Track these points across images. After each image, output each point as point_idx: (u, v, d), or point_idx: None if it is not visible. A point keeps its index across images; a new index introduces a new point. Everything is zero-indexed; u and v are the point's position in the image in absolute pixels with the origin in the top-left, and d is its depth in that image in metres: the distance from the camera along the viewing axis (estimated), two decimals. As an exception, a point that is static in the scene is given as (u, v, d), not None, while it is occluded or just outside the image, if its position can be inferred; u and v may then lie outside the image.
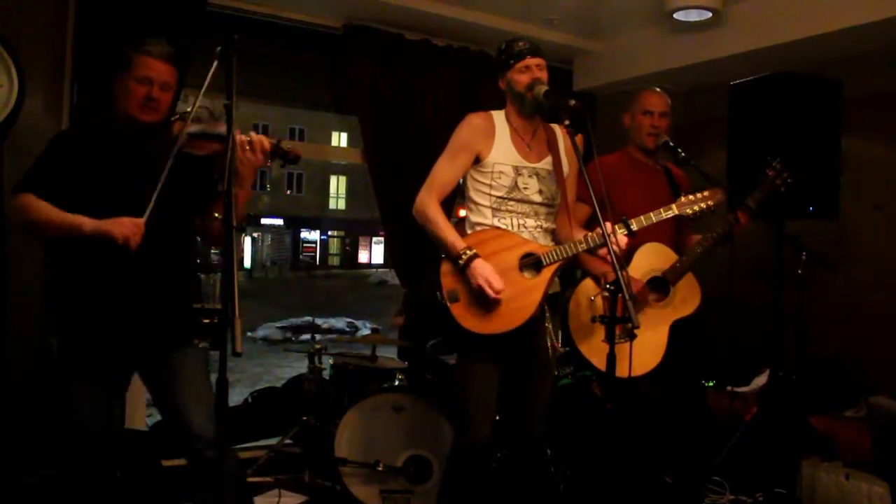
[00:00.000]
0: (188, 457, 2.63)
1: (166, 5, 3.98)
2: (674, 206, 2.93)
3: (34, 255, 3.86)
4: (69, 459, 2.65)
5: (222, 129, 2.41)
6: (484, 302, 2.75)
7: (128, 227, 2.36)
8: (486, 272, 2.71)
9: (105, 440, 2.61)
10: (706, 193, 2.95)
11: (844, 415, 4.19)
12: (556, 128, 3.01)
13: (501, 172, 2.88)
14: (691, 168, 3.41)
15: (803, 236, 3.73)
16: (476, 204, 2.93)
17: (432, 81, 5.08)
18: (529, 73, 2.84)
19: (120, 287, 2.53)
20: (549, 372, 2.99)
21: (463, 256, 2.74)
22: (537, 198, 2.91)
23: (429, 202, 2.87)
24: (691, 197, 2.95)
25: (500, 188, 2.88)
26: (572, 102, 2.69)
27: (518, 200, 2.89)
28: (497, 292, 2.70)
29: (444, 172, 2.91)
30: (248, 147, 2.48)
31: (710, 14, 4.36)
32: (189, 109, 2.47)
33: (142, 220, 2.37)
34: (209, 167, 2.66)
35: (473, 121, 2.93)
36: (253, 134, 2.52)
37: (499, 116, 2.96)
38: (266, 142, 2.53)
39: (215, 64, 2.25)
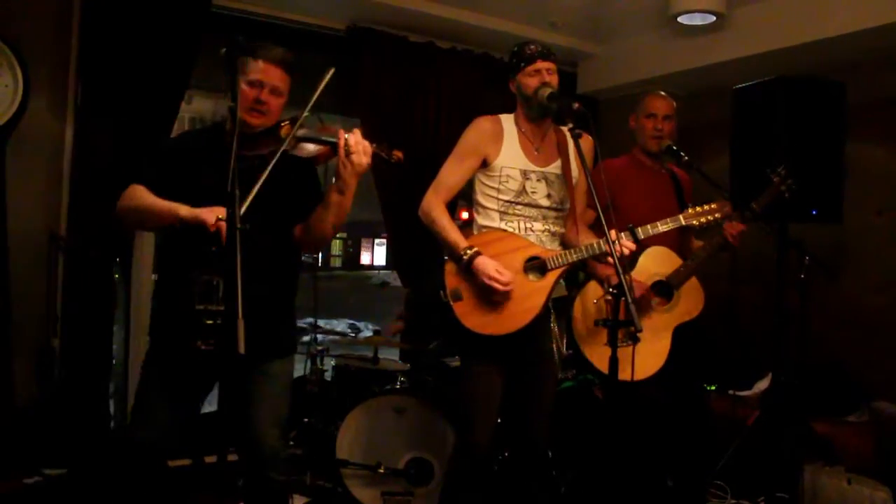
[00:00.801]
0: (251, 477, 2.59)
1: (171, 6, 3.99)
2: (681, 217, 2.91)
3: (37, 256, 3.88)
4: (127, 451, 2.59)
5: (329, 134, 2.47)
6: (488, 301, 2.75)
7: (221, 214, 2.25)
8: (489, 267, 2.72)
9: (158, 438, 2.52)
10: (714, 206, 2.93)
11: (847, 419, 4.19)
12: (567, 131, 3.00)
13: (509, 176, 2.88)
14: (694, 172, 3.41)
15: (806, 241, 3.72)
16: (484, 207, 2.94)
17: (436, 84, 5.08)
18: (539, 77, 2.84)
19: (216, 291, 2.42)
20: (552, 375, 2.99)
21: (465, 255, 2.75)
22: (545, 202, 2.91)
23: (434, 204, 2.88)
24: (699, 209, 2.93)
25: (508, 192, 2.88)
26: (576, 105, 2.69)
27: (525, 204, 2.89)
28: (506, 284, 2.70)
29: (450, 175, 2.91)
30: (351, 149, 2.41)
31: (713, 18, 4.36)
32: (300, 116, 2.45)
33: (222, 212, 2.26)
34: (313, 173, 2.66)
35: (482, 124, 2.93)
36: (356, 135, 2.45)
37: (507, 120, 2.96)
38: (369, 145, 2.45)
39: (331, 72, 2.34)
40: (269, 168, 2.29)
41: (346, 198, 2.49)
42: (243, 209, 2.20)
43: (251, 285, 2.19)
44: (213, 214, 2.26)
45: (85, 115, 3.95)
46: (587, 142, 2.80)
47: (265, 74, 2.49)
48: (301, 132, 2.43)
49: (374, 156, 2.47)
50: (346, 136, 2.42)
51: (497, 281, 2.70)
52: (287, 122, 2.48)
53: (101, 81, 3.93)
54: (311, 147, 2.48)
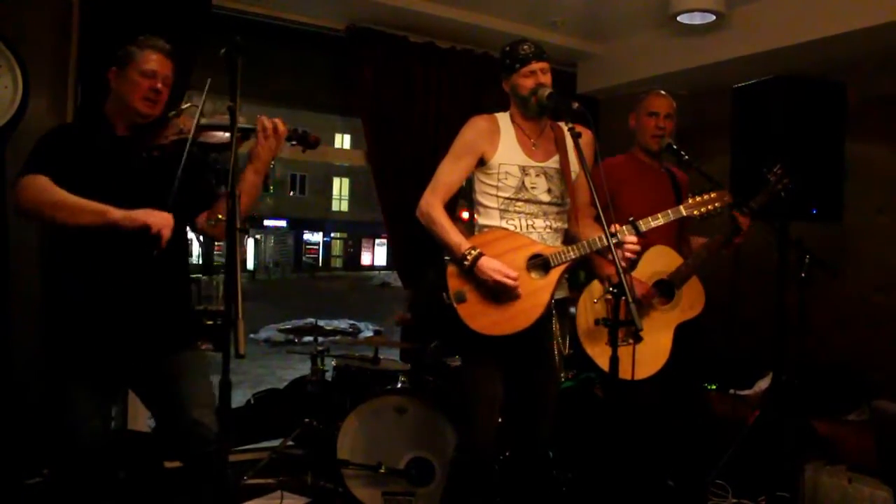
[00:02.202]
0: (191, 457, 2.60)
1: (170, 7, 3.99)
2: (682, 207, 2.93)
3: (37, 255, 3.87)
4: (64, 463, 2.59)
5: (242, 122, 2.49)
6: (493, 302, 2.75)
7: (161, 219, 2.33)
8: (496, 266, 2.71)
9: (100, 443, 2.57)
10: (714, 195, 2.95)
11: (847, 418, 4.18)
12: (564, 126, 3.00)
13: (508, 173, 2.87)
14: (693, 171, 3.41)
15: (806, 239, 3.72)
16: (484, 206, 2.93)
17: (436, 84, 5.08)
18: (534, 78, 2.83)
19: (122, 286, 2.50)
20: (553, 375, 2.99)
21: (468, 257, 2.74)
22: (546, 197, 2.91)
23: (433, 204, 2.87)
24: (699, 198, 2.95)
25: (507, 189, 2.87)
26: (575, 105, 2.69)
27: (526, 201, 2.88)
28: (515, 279, 2.70)
29: (447, 174, 2.91)
30: (269, 131, 2.54)
31: (713, 17, 4.35)
32: (183, 107, 2.54)
33: (170, 215, 2.35)
34: (208, 165, 2.70)
35: (477, 123, 2.93)
36: (270, 119, 2.57)
37: (503, 118, 2.96)
38: (282, 125, 2.57)
39: (208, 84, 2.31)
40: (185, 156, 2.31)
41: (260, 178, 2.61)
42: (171, 202, 2.30)
43: (153, 278, 2.47)
44: (153, 217, 2.32)
45: (84, 116, 3.95)
46: (586, 136, 2.79)
47: (158, 64, 2.55)
48: (203, 120, 2.47)
49: (290, 136, 2.62)
50: (263, 120, 2.54)
51: (507, 276, 2.70)
52: (175, 114, 2.55)
53: (101, 82, 3.92)
54: (220, 134, 2.53)
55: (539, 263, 2.82)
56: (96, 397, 2.56)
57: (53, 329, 2.56)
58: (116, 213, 2.34)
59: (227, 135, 2.50)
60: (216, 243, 2.78)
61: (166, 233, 2.33)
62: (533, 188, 2.89)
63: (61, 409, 2.54)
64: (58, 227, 2.43)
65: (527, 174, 2.89)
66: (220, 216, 2.50)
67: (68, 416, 2.53)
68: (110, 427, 2.69)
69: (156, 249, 2.32)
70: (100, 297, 2.49)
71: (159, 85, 2.54)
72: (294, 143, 2.66)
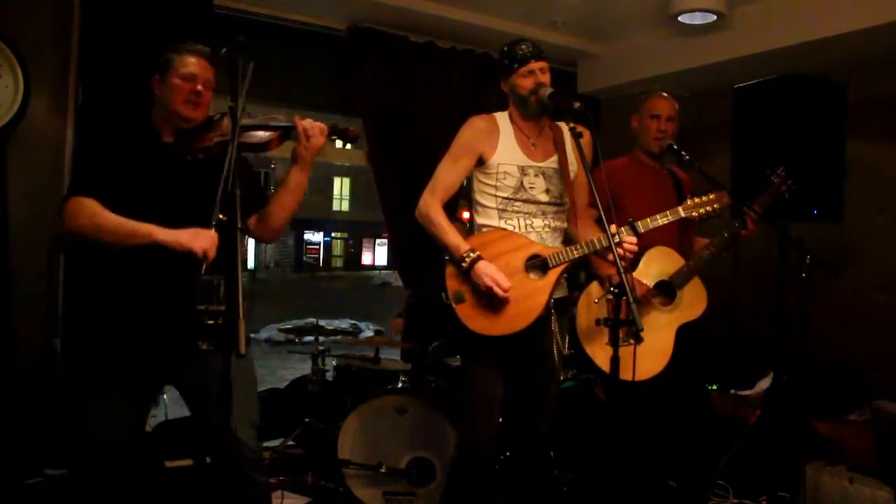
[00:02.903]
0: (224, 468, 2.56)
1: (172, 7, 3.99)
2: (680, 208, 2.93)
3: (38, 256, 3.88)
4: (79, 468, 2.55)
5: (280, 120, 2.59)
6: (491, 303, 2.75)
7: (207, 241, 2.28)
8: (491, 272, 2.71)
9: (114, 447, 2.50)
10: (712, 196, 2.96)
11: (848, 418, 4.18)
12: (563, 125, 2.99)
13: (506, 173, 2.87)
14: (695, 171, 3.41)
15: (807, 240, 3.72)
16: (482, 206, 2.93)
17: (436, 83, 5.08)
18: (533, 78, 2.83)
19: (156, 290, 2.46)
20: (554, 375, 2.99)
21: (466, 259, 2.74)
22: (544, 197, 2.90)
23: (432, 205, 2.87)
24: (697, 200, 2.95)
25: (506, 189, 2.87)
26: (577, 105, 2.69)
27: (524, 201, 2.88)
28: (505, 290, 2.70)
29: (446, 175, 2.91)
30: (310, 131, 2.57)
31: (714, 17, 4.35)
32: (226, 110, 2.46)
33: (214, 233, 2.23)
34: (249, 165, 2.73)
35: (476, 123, 2.93)
36: (308, 120, 2.60)
37: (502, 118, 2.96)
38: (323, 125, 2.60)
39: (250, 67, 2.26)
40: (229, 158, 2.20)
41: (305, 177, 2.66)
42: (214, 217, 2.15)
43: (191, 285, 2.35)
44: (198, 241, 2.29)
45: (86, 116, 3.95)
46: (585, 135, 2.79)
47: (198, 68, 2.56)
48: (246, 121, 2.49)
49: (330, 132, 2.62)
50: (301, 122, 2.57)
51: (498, 285, 2.70)
52: (222, 115, 2.55)
53: (102, 82, 3.93)
54: (262, 134, 2.57)
55: (538, 264, 2.82)
56: (119, 403, 2.50)
57: (84, 327, 2.53)
58: (162, 234, 2.34)
59: (267, 134, 2.57)
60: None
61: (212, 253, 2.28)
62: (531, 188, 2.89)
63: (83, 410, 2.51)
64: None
65: (525, 174, 2.89)
66: (220, 216, 2.48)
67: (89, 418, 2.49)
68: (143, 429, 2.65)
69: (202, 269, 2.28)
70: (129, 301, 2.45)
71: (200, 87, 2.54)
72: (334, 137, 2.68)
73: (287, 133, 2.60)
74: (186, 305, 2.43)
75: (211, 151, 2.52)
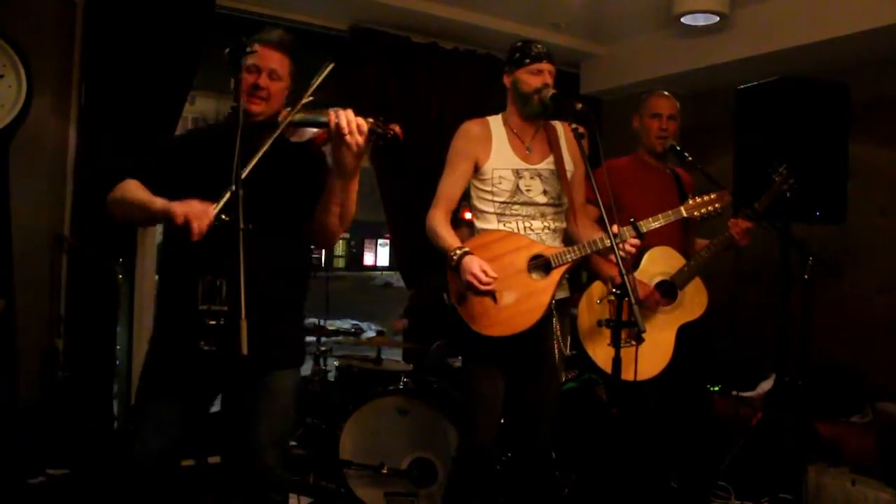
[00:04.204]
0: (248, 495, 2.42)
1: (174, 7, 3.99)
2: (682, 208, 2.94)
3: (40, 256, 3.88)
4: (130, 477, 2.41)
5: (322, 115, 2.27)
6: (494, 303, 2.73)
7: (193, 210, 2.06)
8: (473, 266, 2.67)
9: (158, 456, 2.37)
10: (713, 196, 2.97)
11: (850, 420, 4.18)
12: (558, 125, 2.99)
13: (501, 177, 2.87)
14: (697, 172, 3.41)
15: (809, 241, 3.72)
16: (481, 211, 2.93)
17: (439, 84, 5.09)
18: (541, 77, 2.83)
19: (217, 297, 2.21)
20: (555, 375, 2.98)
21: (454, 256, 2.73)
22: (542, 199, 2.90)
23: (434, 216, 2.87)
24: (699, 199, 2.96)
25: (502, 193, 2.87)
26: (579, 106, 2.69)
27: (522, 203, 2.88)
28: (486, 283, 2.65)
29: (447, 185, 2.91)
30: (343, 129, 2.19)
31: (717, 18, 4.35)
32: (304, 102, 2.29)
33: (212, 207, 2.06)
34: (322, 165, 2.42)
35: (468, 129, 2.93)
36: (347, 112, 2.23)
37: (495, 121, 2.95)
38: (363, 122, 2.22)
39: (330, 66, 2.24)
40: (260, 154, 2.12)
41: (348, 183, 2.30)
42: (224, 199, 2.06)
43: (255, 287, 2.04)
44: (182, 207, 2.08)
45: (88, 116, 3.96)
46: (570, 132, 2.79)
47: (261, 58, 2.37)
48: (298, 117, 2.28)
49: (370, 132, 2.25)
50: (338, 114, 2.22)
51: (476, 279, 2.65)
52: (288, 109, 2.34)
53: (105, 82, 3.94)
54: (312, 131, 2.31)
55: (540, 264, 2.81)
56: (179, 404, 2.37)
57: (156, 331, 2.47)
58: (157, 205, 2.17)
59: (313, 130, 2.32)
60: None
61: (196, 226, 2.03)
62: (528, 190, 2.88)
63: (141, 409, 2.43)
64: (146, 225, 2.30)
65: (521, 177, 2.88)
66: (223, 217, 2.40)
67: (145, 418, 2.39)
68: (182, 439, 2.44)
69: (187, 242, 2.04)
70: (187, 304, 2.23)
71: (262, 80, 2.36)
72: (374, 139, 2.27)
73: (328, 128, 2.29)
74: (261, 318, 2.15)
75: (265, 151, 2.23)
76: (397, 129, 2.32)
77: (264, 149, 2.13)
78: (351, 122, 2.19)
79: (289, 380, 2.47)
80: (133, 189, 2.30)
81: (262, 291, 2.18)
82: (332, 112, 2.22)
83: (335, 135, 2.20)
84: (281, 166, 2.24)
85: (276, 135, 2.16)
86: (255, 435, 2.37)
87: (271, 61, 2.39)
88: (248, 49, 2.20)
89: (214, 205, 2.05)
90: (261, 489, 2.38)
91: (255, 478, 2.38)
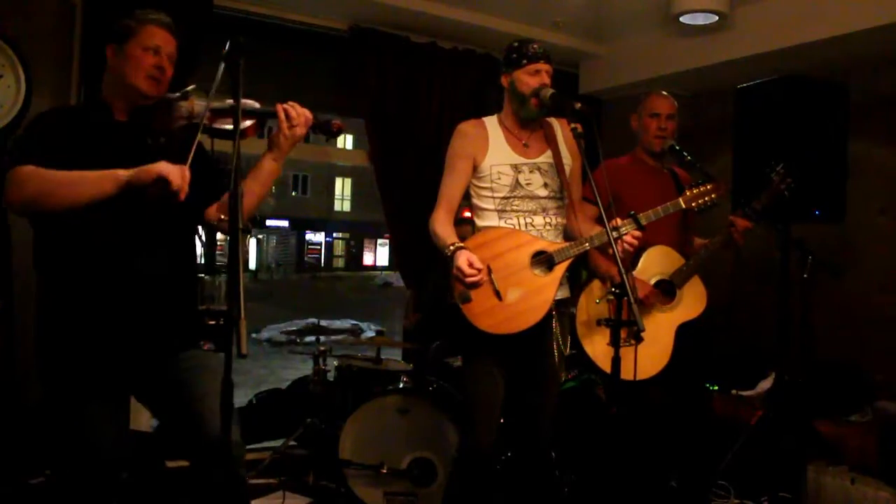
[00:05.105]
0: (205, 468, 2.34)
1: (172, 6, 3.98)
2: (680, 199, 2.96)
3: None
4: (79, 474, 2.36)
5: (253, 106, 2.39)
6: (498, 301, 2.72)
7: (180, 170, 2.08)
8: (459, 259, 2.64)
9: (116, 454, 2.36)
10: (709, 187, 3.00)
11: (850, 419, 4.18)
12: (554, 121, 2.99)
13: (500, 173, 2.86)
14: (696, 171, 3.41)
15: (808, 239, 3.72)
16: (482, 209, 2.92)
17: (438, 84, 5.09)
18: (539, 78, 2.82)
19: (121, 285, 2.27)
20: (555, 375, 2.98)
21: (447, 252, 2.72)
22: (542, 192, 2.89)
23: (434, 218, 2.87)
24: (696, 190, 3.00)
25: (502, 188, 2.86)
26: (578, 105, 2.68)
27: (522, 198, 2.87)
28: (470, 276, 2.61)
29: (447, 187, 2.90)
30: (295, 120, 2.38)
31: (716, 17, 4.35)
32: (189, 88, 2.36)
33: (186, 168, 2.10)
34: (206, 152, 2.52)
35: (464, 130, 2.92)
36: (294, 105, 2.40)
37: (490, 122, 2.95)
38: (309, 113, 2.41)
39: (222, 66, 2.15)
40: (196, 144, 2.15)
41: (279, 166, 2.46)
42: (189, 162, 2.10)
43: (155, 274, 2.26)
44: (167, 167, 2.08)
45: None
46: (566, 127, 2.79)
47: (162, 40, 2.34)
48: (217, 105, 2.31)
49: (314, 126, 2.45)
50: (285, 107, 2.38)
51: (461, 272, 2.62)
52: (183, 95, 2.36)
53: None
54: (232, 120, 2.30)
55: (543, 260, 2.81)
56: (109, 405, 2.34)
57: (53, 336, 2.34)
58: (125, 176, 2.11)
59: (250, 121, 2.38)
60: (218, 243, 2.52)
61: (185, 185, 2.09)
62: (528, 184, 2.87)
63: (75, 423, 2.32)
64: (52, 218, 2.20)
65: (520, 171, 2.87)
66: (222, 216, 2.42)
67: (84, 430, 2.31)
68: (126, 434, 2.45)
69: (174, 202, 2.08)
70: (93, 299, 2.27)
71: (164, 62, 2.34)
72: (316, 131, 2.49)
73: (264, 121, 2.43)
74: (164, 301, 2.32)
75: (174, 135, 2.32)
76: (339, 124, 2.52)
77: (196, 142, 2.19)
78: (301, 116, 2.39)
79: (211, 356, 2.48)
80: (48, 173, 2.14)
81: (163, 276, 2.33)
82: (279, 105, 2.39)
83: (285, 126, 2.37)
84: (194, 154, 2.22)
85: (236, 140, 2.08)
86: (210, 413, 2.23)
87: (170, 45, 2.38)
88: (132, 19, 2.33)
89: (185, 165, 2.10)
90: (232, 469, 2.30)
91: (216, 454, 2.23)
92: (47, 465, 3.60)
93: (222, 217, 2.43)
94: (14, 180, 2.14)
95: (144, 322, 2.32)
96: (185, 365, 2.40)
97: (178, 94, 2.37)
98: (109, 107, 2.37)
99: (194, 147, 2.15)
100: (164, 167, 2.09)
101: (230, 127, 2.33)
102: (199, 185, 2.29)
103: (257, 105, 2.42)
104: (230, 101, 2.30)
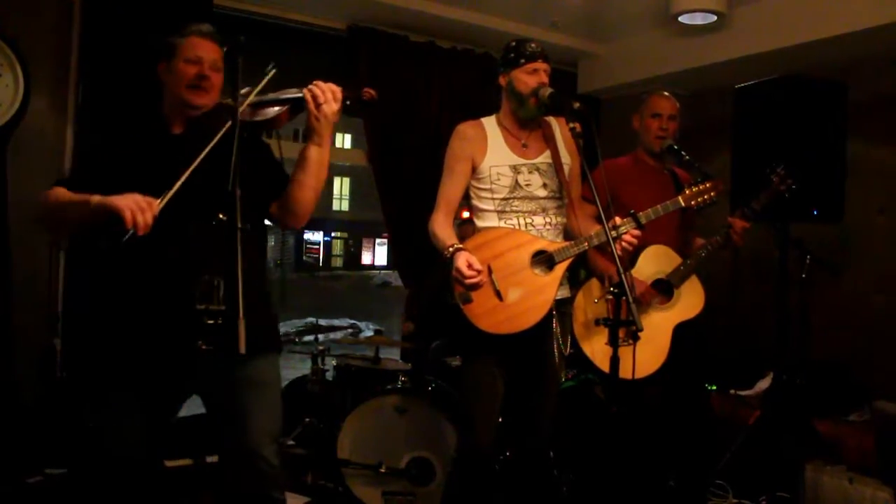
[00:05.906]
0: (241, 489, 2.35)
1: (172, 6, 3.99)
2: (680, 198, 2.96)
3: (38, 256, 3.88)
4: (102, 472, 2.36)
5: (288, 92, 2.36)
6: (498, 300, 2.72)
7: (136, 203, 1.99)
8: (458, 260, 2.66)
9: (137, 451, 2.33)
10: (708, 185, 3.00)
11: (848, 419, 4.18)
12: (552, 120, 2.99)
13: (500, 174, 2.86)
14: (695, 170, 3.41)
15: (808, 239, 3.72)
16: (481, 210, 2.92)
17: (436, 83, 5.09)
18: (537, 77, 2.82)
19: (164, 285, 2.25)
20: (554, 375, 2.98)
21: (446, 254, 2.72)
22: (542, 192, 2.89)
23: (433, 220, 2.88)
24: (695, 189, 2.99)
25: (502, 189, 2.86)
26: (577, 105, 2.68)
27: (522, 198, 2.87)
28: (469, 277, 2.63)
29: (446, 188, 2.90)
30: (319, 98, 2.29)
31: (714, 17, 4.35)
32: (242, 91, 2.28)
33: (156, 201, 2.03)
34: (267, 147, 2.50)
35: (462, 131, 2.92)
36: (318, 83, 2.32)
37: (489, 122, 2.95)
38: (335, 87, 2.32)
39: (272, 72, 2.26)
40: (236, 140, 2.09)
41: (324, 152, 2.35)
42: (172, 191, 2.05)
43: (230, 281, 2.08)
44: (125, 201, 2.00)
45: (86, 116, 3.96)
46: (565, 127, 2.79)
47: (203, 49, 2.35)
48: (253, 99, 2.32)
49: (345, 98, 2.34)
50: (310, 87, 2.32)
51: (460, 273, 2.64)
52: (229, 100, 2.31)
53: (102, 81, 3.93)
54: (272, 109, 2.34)
55: (543, 260, 2.81)
56: (140, 403, 2.31)
57: (96, 336, 2.39)
58: (94, 201, 2.08)
59: (276, 108, 2.35)
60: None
61: (141, 220, 1.98)
62: (527, 185, 2.87)
63: (101, 417, 2.34)
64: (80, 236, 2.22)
65: (519, 172, 2.87)
66: (220, 216, 2.38)
67: (108, 426, 2.32)
68: (155, 435, 2.41)
69: (125, 237, 1.98)
70: (135, 297, 2.27)
71: (206, 71, 2.33)
72: (349, 102, 2.36)
73: (297, 106, 2.35)
74: (184, 307, 2.21)
75: (218, 139, 2.23)
76: (372, 92, 2.41)
77: (219, 135, 2.16)
78: (326, 92, 2.30)
79: (271, 370, 2.43)
80: (61, 194, 2.19)
81: (235, 284, 2.12)
82: (304, 89, 2.32)
83: (312, 107, 2.29)
84: (243, 156, 2.16)
85: (235, 139, 2.11)
86: (249, 431, 2.31)
87: (213, 53, 2.37)
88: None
89: (158, 200, 2.04)
90: (261, 487, 2.33)
91: (253, 476, 2.32)
92: (46, 465, 3.61)
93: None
94: (39, 200, 2.24)
95: (197, 321, 2.20)
96: (244, 374, 2.32)
97: (228, 99, 2.33)
98: (167, 123, 2.39)
99: (235, 145, 2.08)
100: (120, 201, 2.00)
101: (265, 118, 2.34)
102: (261, 181, 2.32)
103: (292, 91, 2.38)
104: (271, 94, 2.36)
